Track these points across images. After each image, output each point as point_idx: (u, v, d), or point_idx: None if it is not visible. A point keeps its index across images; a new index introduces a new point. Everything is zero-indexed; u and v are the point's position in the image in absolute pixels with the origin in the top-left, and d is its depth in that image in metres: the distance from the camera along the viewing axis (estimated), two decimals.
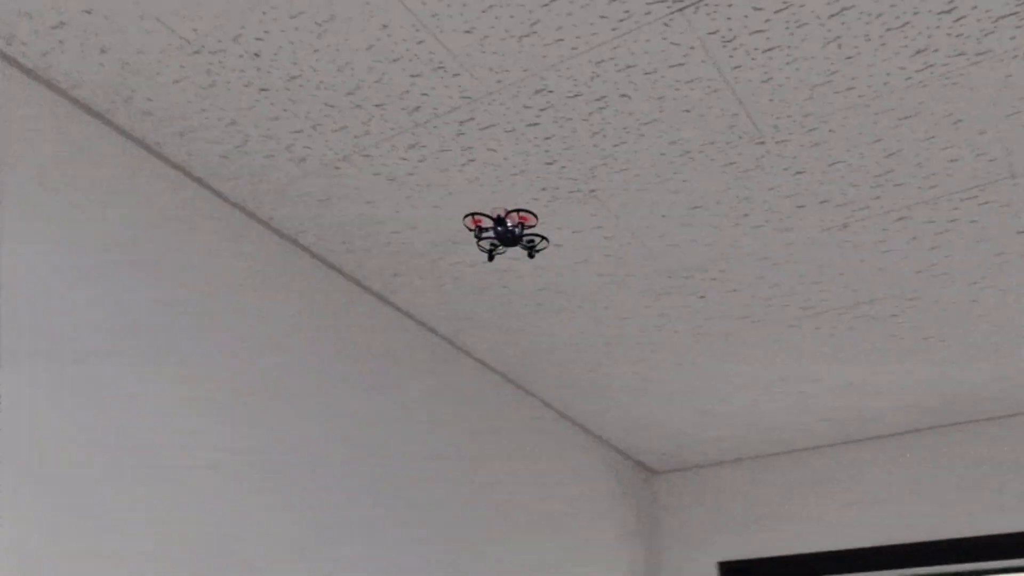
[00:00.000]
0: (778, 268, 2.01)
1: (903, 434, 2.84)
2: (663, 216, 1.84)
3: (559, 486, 2.71)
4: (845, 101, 1.51)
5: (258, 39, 1.42)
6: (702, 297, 2.14)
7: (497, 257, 2.01)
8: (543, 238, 1.87)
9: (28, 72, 1.50)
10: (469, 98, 1.52)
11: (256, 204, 1.85)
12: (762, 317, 2.21)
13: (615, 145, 1.63)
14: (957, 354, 2.35)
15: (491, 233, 1.83)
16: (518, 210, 1.81)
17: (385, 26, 1.38)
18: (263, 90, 1.53)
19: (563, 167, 1.69)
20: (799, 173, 1.69)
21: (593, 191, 1.76)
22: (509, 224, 1.82)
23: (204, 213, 1.77)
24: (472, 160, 1.68)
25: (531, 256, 1.82)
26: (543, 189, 1.76)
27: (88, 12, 1.39)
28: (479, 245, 1.86)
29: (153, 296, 1.61)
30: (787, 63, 1.43)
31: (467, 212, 1.82)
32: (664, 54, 1.42)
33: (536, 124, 1.58)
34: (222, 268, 1.77)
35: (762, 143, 1.61)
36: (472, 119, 1.57)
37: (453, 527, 2.20)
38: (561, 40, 1.39)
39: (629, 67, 1.45)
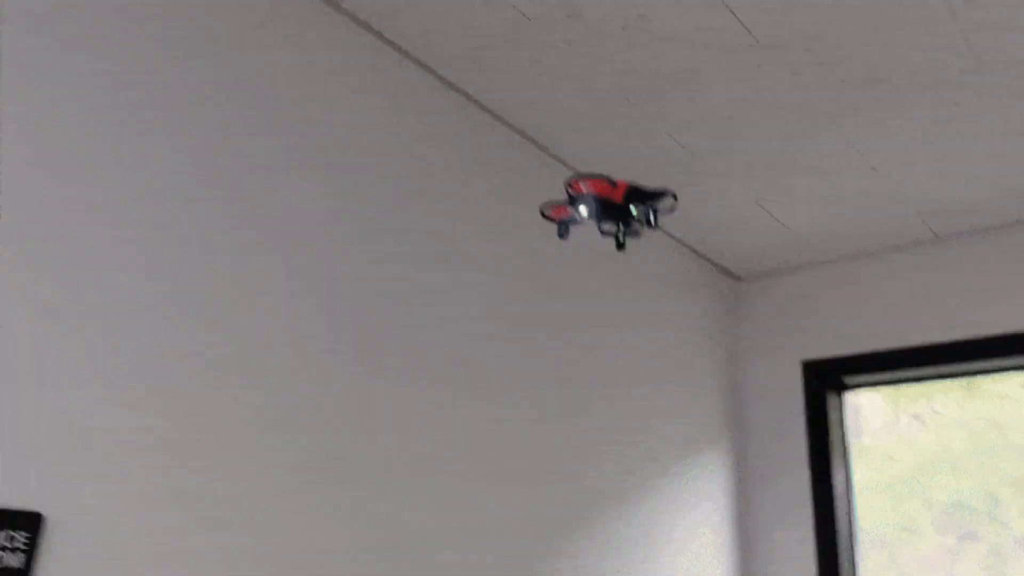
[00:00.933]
0: (885, 25, 1.90)
1: (998, 228, 2.74)
2: None
3: (639, 297, 2.71)
4: None
5: None
6: (795, 74, 2.06)
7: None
8: (666, 194, 1.43)
9: None
10: None
11: None
12: (861, 87, 2.11)
13: None
14: None
15: (581, 215, 1.45)
16: (578, 179, 1.42)
17: None
18: None
19: None
20: None
21: None
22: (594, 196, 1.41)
23: None
24: None
25: (652, 224, 1.40)
26: None
27: None
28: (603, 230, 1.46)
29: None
30: None
31: (540, 210, 1.53)
32: None
33: None
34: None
35: None
36: None
37: (525, 329, 2.22)
38: None
39: None
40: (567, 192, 1.49)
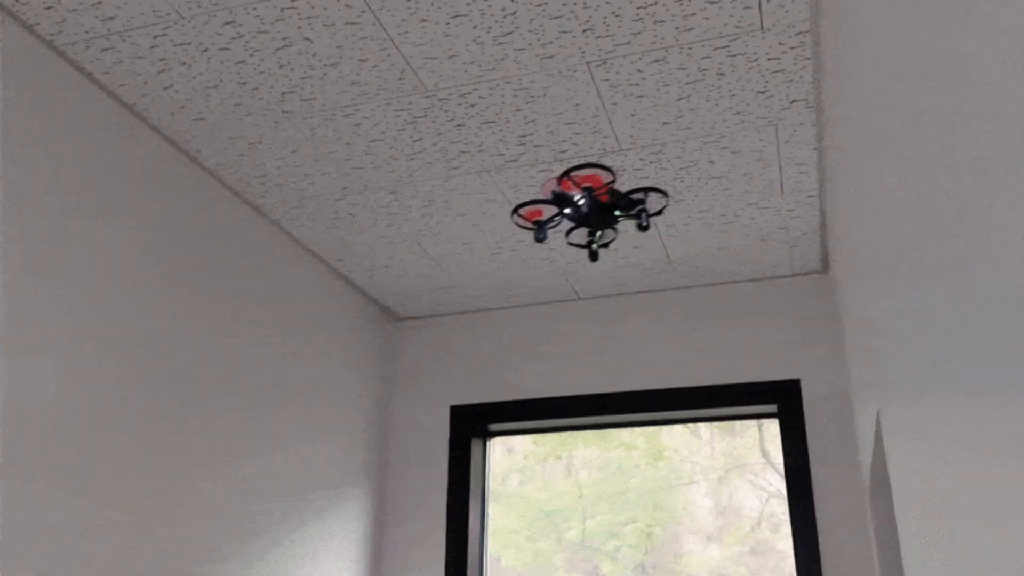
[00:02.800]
0: (536, 102, 1.95)
1: (634, 294, 3.02)
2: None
3: (297, 323, 2.58)
4: None
5: None
6: (459, 126, 2.04)
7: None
8: (656, 191, 1.21)
9: None
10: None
11: None
12: (516, 156, 2.17)
13: None
14: (690, 217, 2.49)
15: (561, 219, 1.19)
16: (572, 171, 1.15)
17: None
18: None
19: None
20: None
21: None
22: (579, 198, 1.15)
23: None
24: None
25: (643, 227, 1.19)
26: None
27: None
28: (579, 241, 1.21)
29: None
30: None
31: (514, 211, 1.29)
32: None
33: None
34: None
35: None
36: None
37: (177, 356, 2.00)
38: None
39: None
40: (551, 191, 1.23)
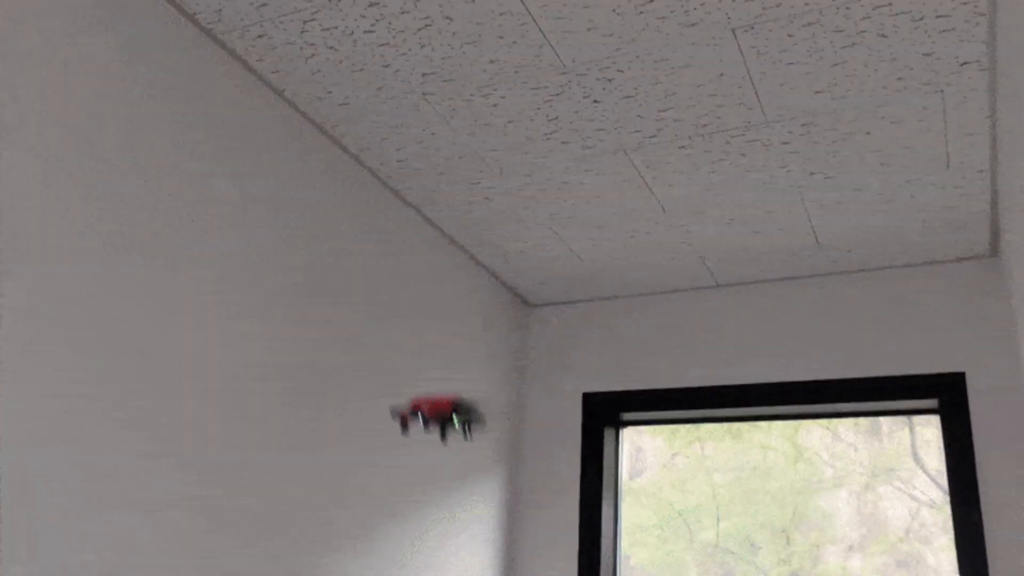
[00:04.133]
0: (677, 74, 1.88)
1: (776, 280, 2.87)
2: None
3: (431, 309, 2.62)
4: None
5: None
6: (596, 102, 2.01)
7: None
8: (469, 414, 1.86)
9: None
10: None
11: None
12: (655, 132, 2.10)
13: None
14: (843, 195, 2.34)
15: (419, 422, 1.90)
16: (422, 400, 1.86)
17: None
18: None
19: None
20: None
21: None
22: (426, 413, 1.85)
23: None
24: None
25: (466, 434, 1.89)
26: None
27: None
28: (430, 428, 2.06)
29: None
30: None
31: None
32: None
33: None
34: None
35: None
36: None
37: (314, 345, 2.07)
38: None
39: None
40: (414, 407, 1.90)
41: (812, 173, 2.22)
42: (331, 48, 1.87)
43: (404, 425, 2.14)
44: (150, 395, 1.62)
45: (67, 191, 1.50)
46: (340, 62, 1.92)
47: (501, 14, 1.73)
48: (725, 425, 2.97)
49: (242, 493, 1.81)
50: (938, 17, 1.67)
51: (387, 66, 1.92)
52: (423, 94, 2.01)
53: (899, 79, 1.85)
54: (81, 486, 1.47)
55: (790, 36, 1.74)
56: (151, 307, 1.64)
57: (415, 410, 1.89)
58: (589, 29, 1.76)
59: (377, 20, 1.78)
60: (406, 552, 2.36)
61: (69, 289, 1.48)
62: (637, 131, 2.10)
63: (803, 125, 2.02)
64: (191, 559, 1.67)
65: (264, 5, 1.75)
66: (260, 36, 1.85)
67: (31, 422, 1.39)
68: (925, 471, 2.72)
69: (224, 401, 1.79)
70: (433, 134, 2.17)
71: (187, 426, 1.69)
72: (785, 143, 2.10)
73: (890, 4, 1.64)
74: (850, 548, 2.75)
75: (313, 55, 1.90)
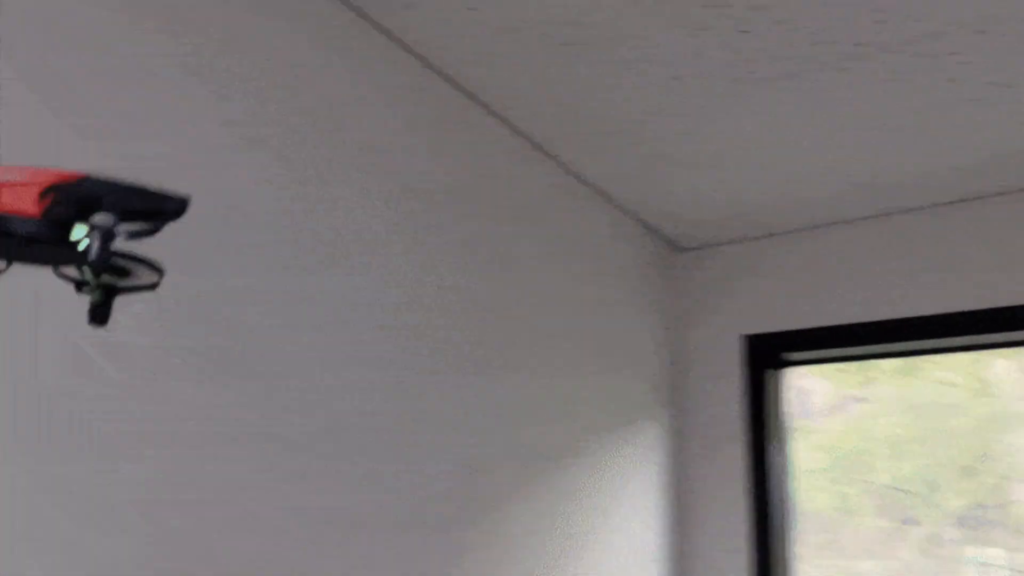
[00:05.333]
0: None
1: (941, 206, 2.68)
2: None
3: (583, 262, 2.63)
4: None
5: None
6: (744, 32, 1.93)
7: None
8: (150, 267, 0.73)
9: None
10: None
11: None
12: (808, 55, 1.99)
13: None
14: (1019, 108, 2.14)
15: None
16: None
17: None
18: None
19: None
20: None
21: None
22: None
23: None
24: None
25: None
26: None
27: None
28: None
29: None
30: None
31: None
32: None
33: None
34: None
35: None
36: None
37: (472, 304, 2.13)
38: None
39: None
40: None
41: (990, 83, 2.05)
42: (471, 9, 1.90)
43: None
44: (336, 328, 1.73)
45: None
46: (483, 22, 1.94)
47: None
48: (897, 363, 2.83)
49: (397, 455, 1.91)
50: None
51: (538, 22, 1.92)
52: (561, 44, 2.00)
53: None
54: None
55: None
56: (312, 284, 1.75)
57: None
58: None
59: None
60: (572, 496, 2.41)
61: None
62: (790, 58, 2.00)
63: (976, 32, 1.86)
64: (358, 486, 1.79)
65: None
66: (407, 6, 1.89)
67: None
68: None
69: (386, 363, 1.89)
70: (583, 86, 2.16)
71: (340, 399, 1.80)
72: (954, 53, 1.94)
73: None
74: None
75: (454, 18, 1.93)
